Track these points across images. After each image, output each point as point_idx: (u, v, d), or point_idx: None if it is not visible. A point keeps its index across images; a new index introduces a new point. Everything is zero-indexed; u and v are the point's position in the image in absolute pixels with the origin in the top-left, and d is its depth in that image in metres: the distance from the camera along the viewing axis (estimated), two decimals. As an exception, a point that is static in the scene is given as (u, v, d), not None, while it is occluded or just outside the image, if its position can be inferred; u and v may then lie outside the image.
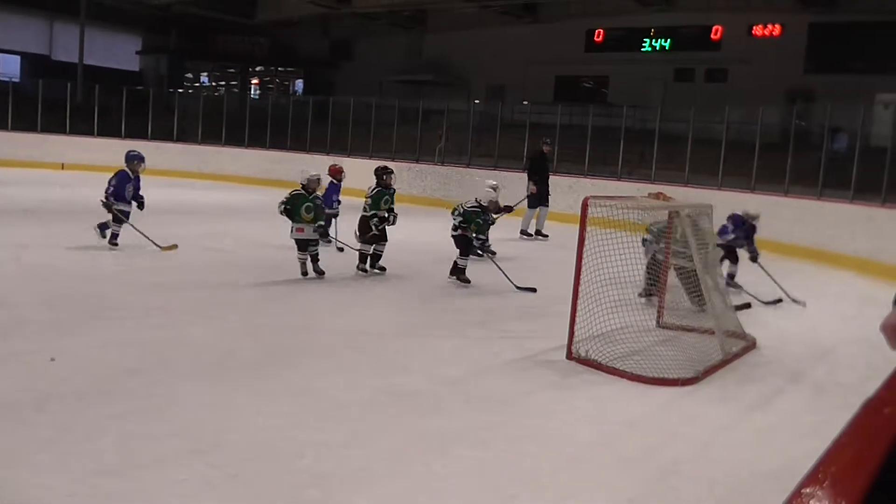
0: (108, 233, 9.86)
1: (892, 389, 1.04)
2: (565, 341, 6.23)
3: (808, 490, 0.77)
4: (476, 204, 9.37)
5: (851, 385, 6.05)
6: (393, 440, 4.40)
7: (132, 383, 5.03)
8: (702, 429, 4.96)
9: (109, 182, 9.94)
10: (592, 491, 3.95)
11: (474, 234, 9.23)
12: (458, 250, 9.20)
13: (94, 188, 16.96)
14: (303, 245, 8.80)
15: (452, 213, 9.47)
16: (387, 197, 9.41)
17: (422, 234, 12.23)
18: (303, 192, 8.81)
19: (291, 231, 8.72)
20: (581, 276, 6.29)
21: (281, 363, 5.69)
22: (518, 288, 8.79)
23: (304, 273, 8.70)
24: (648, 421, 5.06)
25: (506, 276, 8.92)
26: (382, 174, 9.45)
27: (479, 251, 9.60)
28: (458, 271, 9.11)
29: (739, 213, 9.71)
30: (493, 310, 7.97)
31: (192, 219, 13.71)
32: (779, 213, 13.63)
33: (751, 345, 6.95)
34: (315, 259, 8.85)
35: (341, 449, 4.21)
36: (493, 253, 10.35)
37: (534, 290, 8.77)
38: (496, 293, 8.68)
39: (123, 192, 9.92)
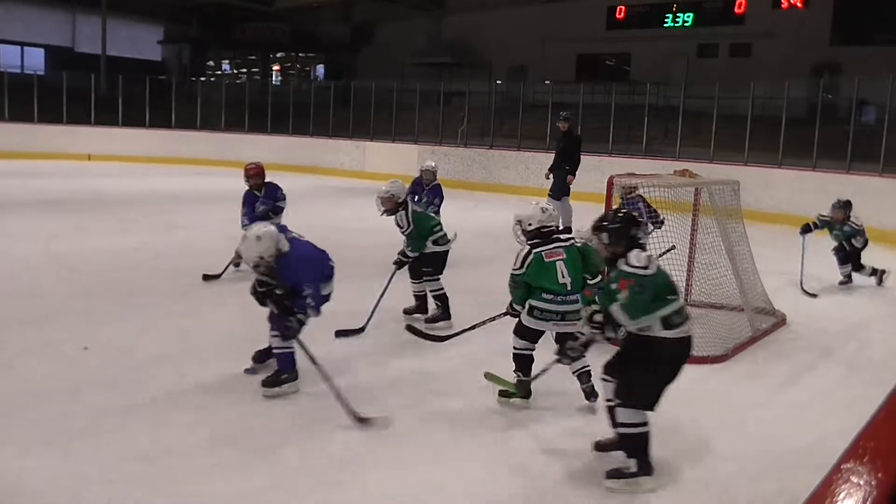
0: None
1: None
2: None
3: (848, 465, 0.75)
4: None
5: (883, 361, 5.99)
6: (415, 422, 4.41)
7: (161, 370, 5.09)
8: (733, 406, 4.93)
9: None
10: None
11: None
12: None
13: (121, 178, 17.28)
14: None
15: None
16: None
17: (444, 216, 12.15)
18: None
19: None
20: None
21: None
22: None
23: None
24: (678, 399, 5.01)
25: None
26: None
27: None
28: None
29: None
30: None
31: (215, 206, 13.77)
32: (806, 187, 13.48)
33: (780, 321, 6.88)
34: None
35: (371, 432, 4.23)
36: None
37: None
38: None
39: None
